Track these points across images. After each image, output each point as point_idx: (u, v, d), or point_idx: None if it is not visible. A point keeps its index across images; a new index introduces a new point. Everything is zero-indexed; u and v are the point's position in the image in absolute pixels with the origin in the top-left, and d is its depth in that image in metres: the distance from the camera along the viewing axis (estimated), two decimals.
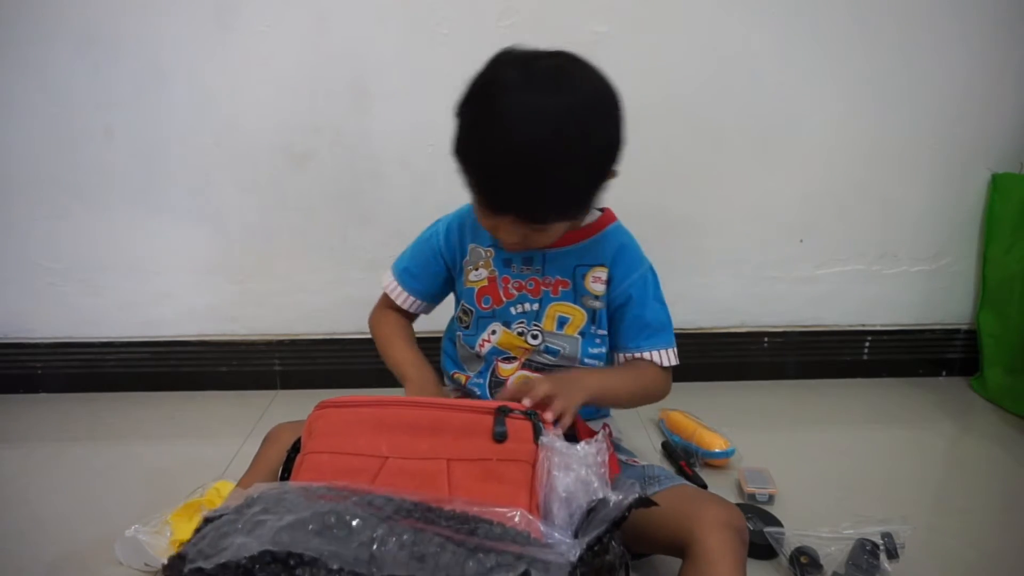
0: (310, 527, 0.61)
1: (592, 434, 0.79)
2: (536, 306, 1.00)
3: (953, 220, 1.58)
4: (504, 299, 1.01)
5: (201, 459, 1.26)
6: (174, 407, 1.52)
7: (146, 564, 0.98)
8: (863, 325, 1.64)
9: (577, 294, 0.99)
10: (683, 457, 1.26)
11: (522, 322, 1.01)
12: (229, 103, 1.42)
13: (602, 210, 1.03)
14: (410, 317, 1.12)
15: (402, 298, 1.09)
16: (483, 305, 1.02)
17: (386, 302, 1.11)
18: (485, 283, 1.02)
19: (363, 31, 1.39)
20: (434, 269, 1.07)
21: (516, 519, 0.65)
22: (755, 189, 1.53)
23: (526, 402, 0.80)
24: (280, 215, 1.50)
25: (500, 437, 0.75)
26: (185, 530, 0.99)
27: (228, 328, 1.58)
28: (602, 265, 0.99)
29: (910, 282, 1.62)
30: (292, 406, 1.53)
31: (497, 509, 0.66)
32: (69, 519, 1.11)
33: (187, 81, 1.41)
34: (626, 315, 0.99)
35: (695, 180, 1.51)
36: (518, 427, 0.77)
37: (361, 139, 1.46)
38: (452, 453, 0.75)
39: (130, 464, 1.29)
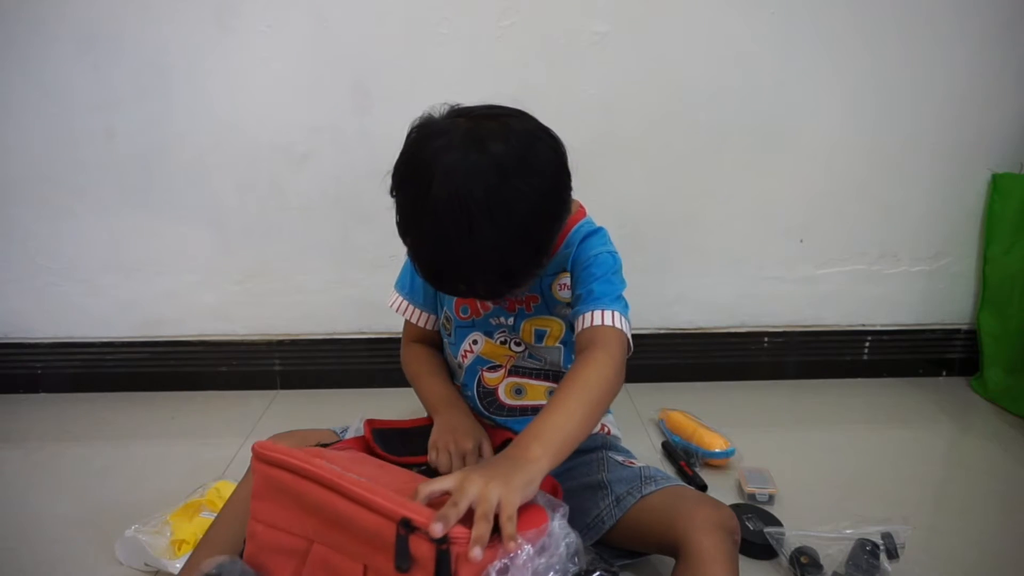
0: None
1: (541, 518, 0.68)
2: (512, 320, 0.99)
3: (953, 220, 1.58)
4: (482, 310, 1.00)
5: (201, 459, 1.26)
6: (174, 407, 1.52)
7: (146, 564, 0.98)
8: (863, 325, 1.64)
9: (549, 307, 0.98)
10: (683, 457, 1.26)
11: (503, 332, 1.00)
12: (229, 103, 1.42)
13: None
14: (436, 340, 1.09)
15: (416, 316, 1.07)
16: (461, 315, 1.01)
17: (410, 334, 1.09)
18: None
19: (363, 31, 1.39)
20: None
21: None
22: (755, 189, 1.53)
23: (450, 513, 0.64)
24: (280, 215, 1.50)
25: (401, 568, 0.64)
26: (185, 530, 0.99)
27: (228, 328, 1.58)
28: (564, 271, 0.97)
29: (910, 282, 1.62)
30: (292, 406, 1.53)
31: None
32: (69, 519, 1.11)
33: (187, 81, 1.41)
34: (578, 287, 0.94)
35: (695, 180, 1.51)
36: (422, 553, 0.63)
37: (361, 139, 1.46)
38: (366, 559, 0.68)
39: (130, 464, 1.29)
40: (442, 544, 0.63)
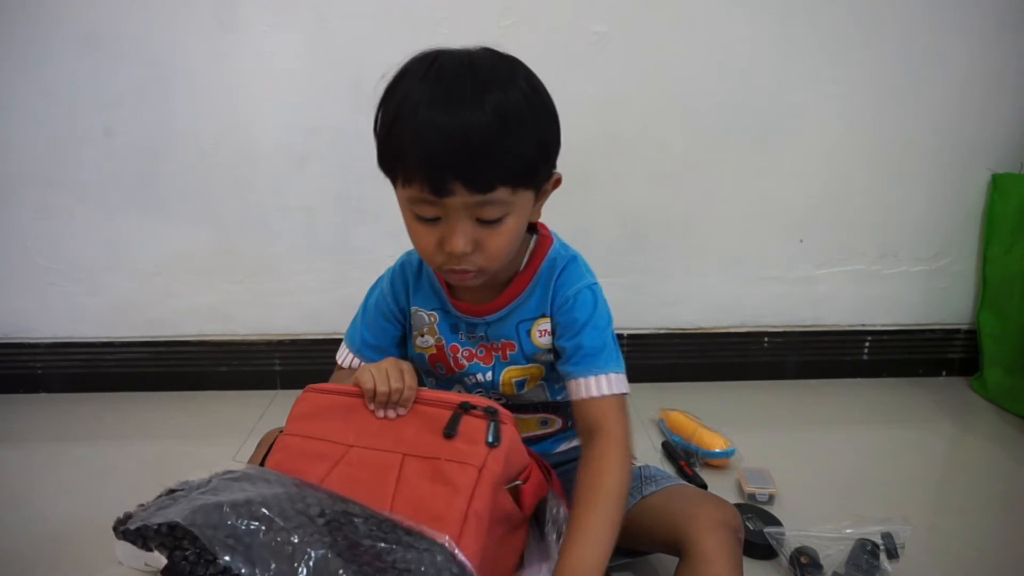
0: (226, 512, 0.63)
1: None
2: (490, 375, 0.93)
3: (953, 220, 1.58)
4: (456, 369, 0.94)
5: (201, 459, 1.26)
6: (174, 407, 1.52)
7: (146, 564, 0.98)
8: (863, 325, 1.64)
9: (526, 355, 0.91)
10: (683, 457, 1.26)
11: (481, 391, 0.95)
12: (229, 103, 1.42)
13: (536, 229, 0.92)
14: None
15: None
16: (439, 371, 0.96)
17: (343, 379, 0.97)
18: (433, 351, 0.94)
19: (363, 31, 1.39)
20: (392, 333, 0.98)
21: (443, 545, 0.66)
22: (755, 189, 1.53)
23: None
24: (280, 215, 1.50)
25: (449, 434, 0.76)
26: None
27: (228, 328, 1.58)
28: (544, 316, 0.90)
29: (910, 282, 1.62)
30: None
31: (427, 530, 0.67)
32: (69, 519, 1.11)
33: (187, 81, 1.40)
34: (564, 338, 0.89)
35: (695, 180, 1.51)
36: (473, 426, 0.76)
37: (361, 139, 1.44)
38: (408, 448, 0.76)
39: (130, 464, 1.29)
40: (492, 416, 0.77)
